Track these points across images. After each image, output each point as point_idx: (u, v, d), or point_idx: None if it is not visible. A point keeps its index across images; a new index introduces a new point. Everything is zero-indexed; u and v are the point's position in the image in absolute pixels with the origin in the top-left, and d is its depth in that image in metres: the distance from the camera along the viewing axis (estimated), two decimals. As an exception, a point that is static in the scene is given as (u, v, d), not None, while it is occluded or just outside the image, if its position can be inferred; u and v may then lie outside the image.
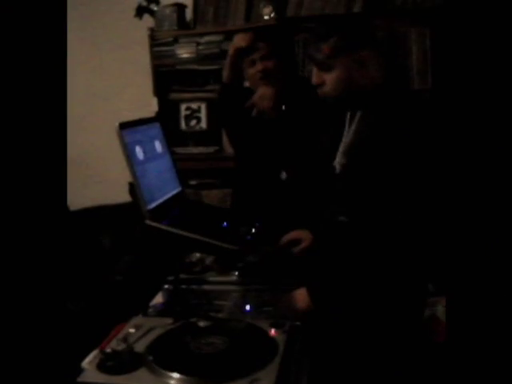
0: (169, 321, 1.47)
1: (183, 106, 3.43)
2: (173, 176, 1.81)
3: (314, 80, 1.70)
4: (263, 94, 2.28)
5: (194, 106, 3.41)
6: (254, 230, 1.72)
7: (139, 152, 1.56)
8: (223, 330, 1.38)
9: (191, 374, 1.19)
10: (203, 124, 3.42)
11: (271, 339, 1.35)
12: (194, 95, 3.39)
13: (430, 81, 3.00)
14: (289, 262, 1.84)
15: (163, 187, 1.68)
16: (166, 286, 1.80)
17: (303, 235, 1.91)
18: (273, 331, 1.39)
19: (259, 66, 2.32)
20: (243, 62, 2.36)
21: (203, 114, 3.41)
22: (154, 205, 1.56)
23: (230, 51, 2.36)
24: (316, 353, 1.50)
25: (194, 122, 3.43)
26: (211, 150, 3.38)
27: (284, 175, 2.33)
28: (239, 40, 2.33)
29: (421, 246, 1.61)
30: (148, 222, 1.50)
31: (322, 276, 1.64)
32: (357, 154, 1.67)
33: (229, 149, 3.26)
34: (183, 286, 1.80)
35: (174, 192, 1.77)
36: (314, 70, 1.70)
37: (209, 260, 1.90)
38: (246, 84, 2.48)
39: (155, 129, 1.77)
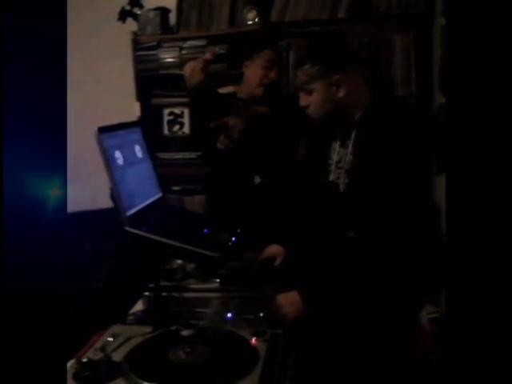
0: (148, 329, 1.44)
1: (166, 111, 3.39)
2: (153, 181, 1.79)
3: (301, 103, 1.79)
4: (235, 125, 2.38)
5: (177, 111, 3.37)
6: (235, 237, 1.70)
7: (119, 157, 1.54)
8: (203, 338, 1.36)
9: (169, 385, 1.16)
10: (186, 129, 3.38)
11: (252, 348, 1.32)
12: (177, 100, 3.34)
13: (413, 87, 3.00)
14: (270, 272, 1.82)
15: (143, 193, 1.66)
16: (147, 294, 1.78)
17: (276, 251, 1.93)
18: (254, 340, 1.36)
19: (274, 75, 2.33)
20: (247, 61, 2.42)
21: (186, 119, 3.37)
22: (133, 211, 1.53)
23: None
24: (298, 362, 1.47)
25: (176, 127, 3.40)
26: (194, 155, 3.35)
27: (258, 179, 2.33)
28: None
29: (425, 256, 1.66)
30: (127, 228, 1.47)
31: (316, 282, 1.65)
32: (359, 174, 1.72)
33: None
34: (164, 294, 1.78)
35: (155, 198, 1.74)
36: (301, 94, 1.79)
37: (190, 267, 1.87)
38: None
39: (135, 134, 1.75)
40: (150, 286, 1.78)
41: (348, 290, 1.62)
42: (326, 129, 1.89)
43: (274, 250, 1.93)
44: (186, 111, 3.33)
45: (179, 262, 1.90)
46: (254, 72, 2.43)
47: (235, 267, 1.79)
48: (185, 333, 1.40)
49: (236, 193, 2.37)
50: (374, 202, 1.64)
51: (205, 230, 1.69)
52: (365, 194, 1.68)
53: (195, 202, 3.34)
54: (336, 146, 1.84)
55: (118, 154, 1.53)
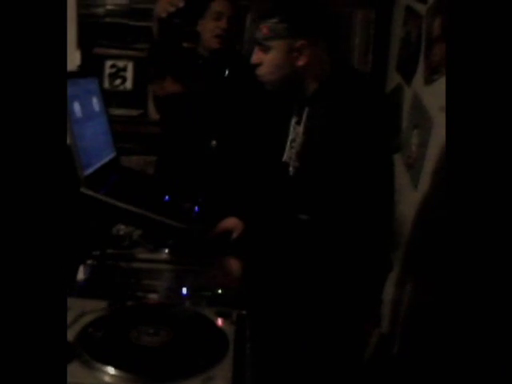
0: (102, 304, 1.28)
1: (108, 63, 3.15)
2: (109, 139, 1.62)
3: (253, 58, 1.64)
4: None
5: (121, 64, 3.15)
6: (197, 207, 1.58)
7: (77, 108, 1.36)
8: (165, 317, 1.23)
9: (134, 371, 1.03)
10: (128, 84, 3.17)
11: (220, 330, 1.21)
12: (122, 52, 3.11)
13: (369, 65, 2.95)
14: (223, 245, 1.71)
15: (100, 151, 1.49)
16: (90, 262, 1.62)
17: (234, 224, 1.79)
18: (220, 321, 1.26)
19: (224, 24, 2.20)
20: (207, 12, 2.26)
21: (129, 74, 3.15)
22: (90, 170, 1.36)
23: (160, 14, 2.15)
24: (262, 343, 1.39)
25: (118, 82, 3.18)
26: (135, 113, 3.15)
27: (214, 143, 2.24)
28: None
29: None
30: (84, 190, 1.30)
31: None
32: (309, 159, 1.63)
33: (154, 113, 3.06)
34: (109, 262, 1.63)
35: (110, 157, 1.58)
36: (255, 49, 1.64)
37: (136, 234, 1.74)
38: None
39: (93, 84, 1.57)
40: (95, 253, 1.63)
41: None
42: (280, 100, 1.76)
43: (230, 222, 1.80)
44: (130, 65, 3.11)
45: (124, 227, 1.76)
46: (205, 25, 2.30)
47: (186, 237, 1.67)
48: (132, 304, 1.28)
49: (191, 156, 2.24)
50: (324, 188, 1.56)
51: (165, 197, 1.55)
52: (314, 181, 1.59)
53: (132, 163, 3.15)
54: (293, 122, 1.73)
55: (76, 105, 1.35)
